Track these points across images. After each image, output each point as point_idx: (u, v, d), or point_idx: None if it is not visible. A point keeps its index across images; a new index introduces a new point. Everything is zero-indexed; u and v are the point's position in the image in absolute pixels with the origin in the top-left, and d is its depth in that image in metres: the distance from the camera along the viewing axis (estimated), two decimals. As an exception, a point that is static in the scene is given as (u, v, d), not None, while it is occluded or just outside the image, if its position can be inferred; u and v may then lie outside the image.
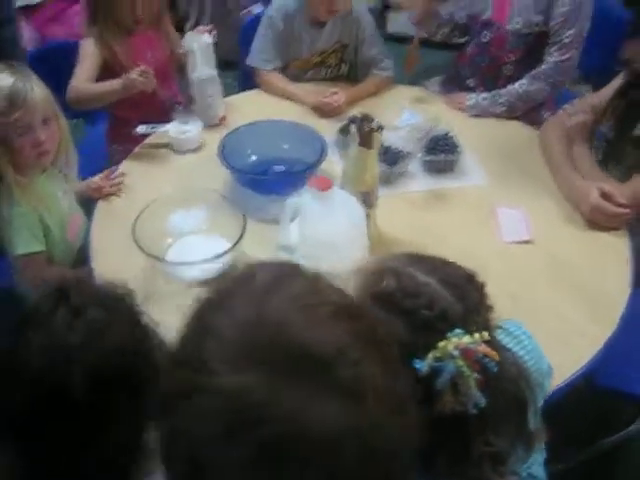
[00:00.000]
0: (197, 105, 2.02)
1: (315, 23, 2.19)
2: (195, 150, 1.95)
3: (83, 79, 1.94)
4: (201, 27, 2.01)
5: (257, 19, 2.33)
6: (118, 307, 0.94)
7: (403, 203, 1.77)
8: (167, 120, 2.01)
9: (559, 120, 1.94)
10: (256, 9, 3.35)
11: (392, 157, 1.84)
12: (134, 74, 1.85)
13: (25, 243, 1.60)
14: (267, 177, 1.81)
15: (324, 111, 2.09)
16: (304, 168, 1.71)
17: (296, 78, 2.27)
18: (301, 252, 1.43)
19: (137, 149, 1.97)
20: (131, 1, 1.97)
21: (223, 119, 2.06)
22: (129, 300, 0.96)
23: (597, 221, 1.70)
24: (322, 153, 1.73)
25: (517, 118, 2.13)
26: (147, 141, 1.99)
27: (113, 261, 1.58)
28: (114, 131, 2.21)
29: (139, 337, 0.93)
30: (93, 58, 1.97)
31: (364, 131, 1.51)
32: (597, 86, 2.22)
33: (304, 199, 1.42)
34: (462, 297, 0.93)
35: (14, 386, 0.88)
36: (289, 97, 2.18)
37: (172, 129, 1.95)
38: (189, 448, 0.51)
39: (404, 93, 2.24)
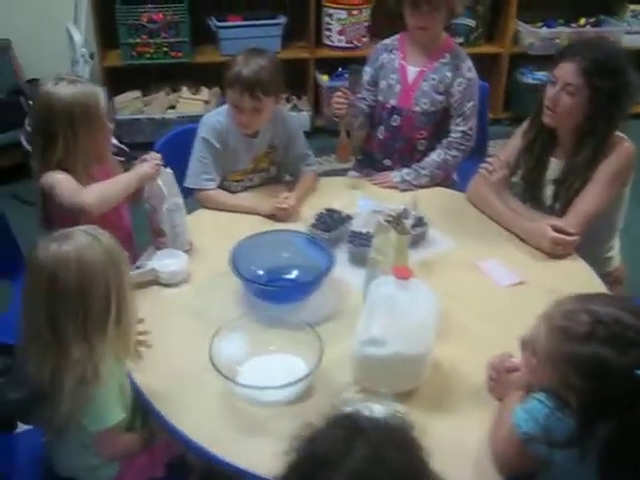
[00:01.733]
0: (167, 235, 2.00)
1: (248, 133, 2.27)
2: (186, 280, 1.93)
3: (77, 187, 1.89)
4: (147, 156, 2.00)
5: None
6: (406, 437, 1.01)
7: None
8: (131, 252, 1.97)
9: (483, 179, 2.24)
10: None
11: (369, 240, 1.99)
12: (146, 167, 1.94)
13: (115, 412, 1.43)
14: (294, 286, 1.86)
15: (278, 216, 2.16)
16: (321, 271, 1.79)
17: (231, 191, 2.32)
18: (392, 342, 1.51)
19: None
20: (106, 138, 1.99)
21: (191, 244, 2.06)
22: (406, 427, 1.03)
23: (556, 252, 2.03)
24: (331, 257, 1.82)
25: (437, 185, 2.43)
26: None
27: (186, 409, 1.52)
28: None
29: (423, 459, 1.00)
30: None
31: (399, 221, 1.67)
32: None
33: (388, 290, 1.52)
34: (637, 315, 1.22)
35: None
36: (239, 210, 2.21)
37: (157, 265, 1.91)
38: None
39: (337, 183, 2.43)
